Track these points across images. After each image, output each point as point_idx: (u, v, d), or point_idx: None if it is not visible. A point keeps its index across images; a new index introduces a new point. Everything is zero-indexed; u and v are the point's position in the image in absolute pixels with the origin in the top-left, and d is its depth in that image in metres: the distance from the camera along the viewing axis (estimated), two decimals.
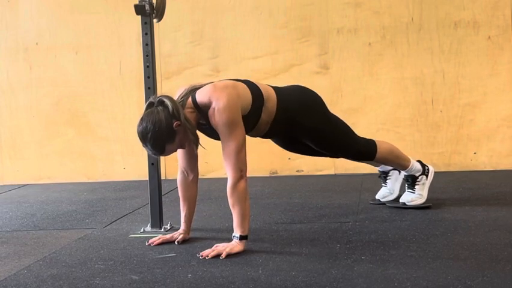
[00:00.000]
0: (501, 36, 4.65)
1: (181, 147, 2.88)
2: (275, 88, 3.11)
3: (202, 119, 2.88)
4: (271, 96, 3.04)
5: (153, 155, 2.91)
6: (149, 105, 2.82)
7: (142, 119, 2.78)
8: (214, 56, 4.94)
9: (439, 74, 4.73)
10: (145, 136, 2.76)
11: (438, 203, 3.57)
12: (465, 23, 4.69)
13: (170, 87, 4.84)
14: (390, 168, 3.61)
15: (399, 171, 3.58)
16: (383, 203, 3.63)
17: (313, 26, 4.84)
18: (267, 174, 4.91)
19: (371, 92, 4.79)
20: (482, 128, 4.71)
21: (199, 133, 2.91)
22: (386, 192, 3.65)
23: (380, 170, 3.67)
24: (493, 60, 4.68)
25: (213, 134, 2.89)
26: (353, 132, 3.32)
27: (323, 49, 4.83)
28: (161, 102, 2.79)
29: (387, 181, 3.65)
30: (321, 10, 4.82)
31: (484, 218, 3.21)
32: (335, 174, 4.85)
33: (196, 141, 2.86)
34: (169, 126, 2.75)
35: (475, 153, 4.73)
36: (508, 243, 2.76)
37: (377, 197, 3.68)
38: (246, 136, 2.90)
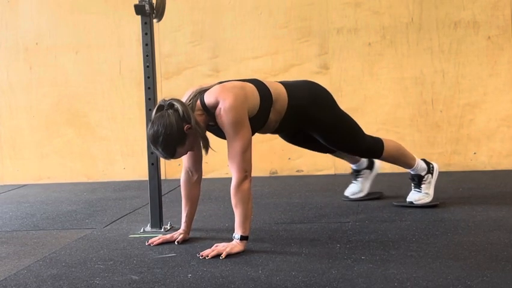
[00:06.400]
0: (501, 36, 4.65)
1: (191, 149, 2.88)
2: (285, 85, 3.11)
3: (211, 121, 2.88)
4: (281, 96, 3.04)
5: (164, 159, 2.89)
6: (159, 109, 2.81)
7: (152, 123, 2.77)
8: (214, 56, 4.94)
9: (439, 74, 4.72)
10: (156, 139, 2.76)
11: (439, 203, 3.57)
12: (465, 23, 4.69)
13: (170, 87, 4.85)
14: (364, 166, 3.73)
15: (371, 170, 3.72)
16: (354, 200, 3.75)
17: (313, 26, 4.84)
18: (267, 174, 4.90)
19: (371, 92, 4.79)
20: (482, 128, 4.71)
21: (208, 135, 2.91)
22: (356, 190, 3.76)
23: (354, 168, 3.77)
24: (493, 60, 4.67)
25: (222, 134, 2.89)
26: (361, 129, 3.34)
27: (322, 49, 4.83)
28: (171, 106, 2.78)
29: (358, 179, 3.76)
30: (321, 10, 4.82)
31: (484, 218, 3.22)
32: (335, 174, 4.85)
33: (206, 145, 2.86)
34: (180, 129, 2.75)
35: (474, 153, 4.73)
36: (508, 243, 2.76)
37: (346, 193, 3.80)
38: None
